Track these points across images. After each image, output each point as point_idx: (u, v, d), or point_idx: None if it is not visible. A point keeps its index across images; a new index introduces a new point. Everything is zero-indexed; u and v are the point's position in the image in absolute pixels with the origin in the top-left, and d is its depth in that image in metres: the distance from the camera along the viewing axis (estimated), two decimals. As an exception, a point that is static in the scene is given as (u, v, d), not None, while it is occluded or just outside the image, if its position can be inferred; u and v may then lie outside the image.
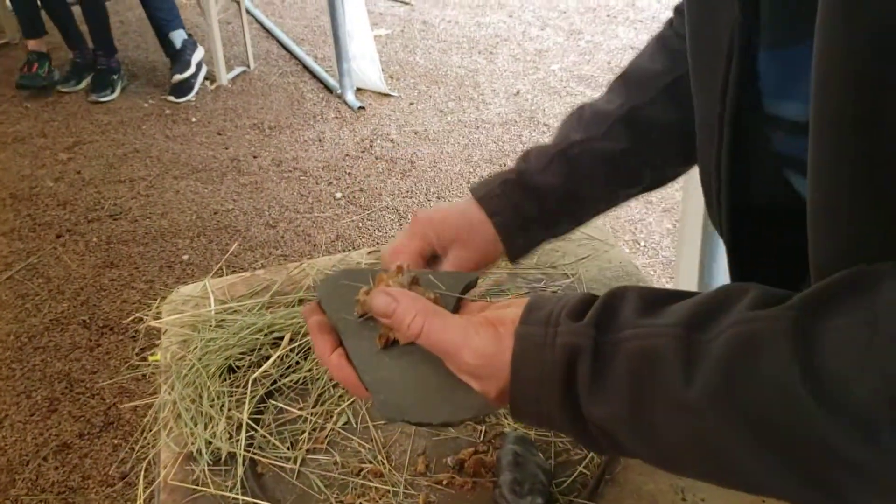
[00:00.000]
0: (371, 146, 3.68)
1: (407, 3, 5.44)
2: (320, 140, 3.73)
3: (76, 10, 4.20)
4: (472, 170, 3.46)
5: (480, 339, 0.56)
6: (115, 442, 2.19)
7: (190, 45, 4.22)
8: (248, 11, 4.68)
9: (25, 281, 2.87)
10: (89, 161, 3.64)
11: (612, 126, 0.86)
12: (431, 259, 0.83)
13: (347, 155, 3.60)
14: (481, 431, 0.89)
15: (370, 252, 1.18)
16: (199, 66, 4.27)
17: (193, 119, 3.98)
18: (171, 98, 4.16)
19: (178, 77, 4.16)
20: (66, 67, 4.37)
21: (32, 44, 4.30)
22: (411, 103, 4.07)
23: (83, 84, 4.30)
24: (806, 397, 0.44)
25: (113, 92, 4.25)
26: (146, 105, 4.14)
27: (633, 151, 0.86)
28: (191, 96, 4.16)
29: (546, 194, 0.84)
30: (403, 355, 0.61)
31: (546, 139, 0.91)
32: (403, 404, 0.58)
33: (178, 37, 4.16)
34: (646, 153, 0.86)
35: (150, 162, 3.61)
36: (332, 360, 0.64)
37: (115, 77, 4.27)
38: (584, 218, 0.90)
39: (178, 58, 4.19)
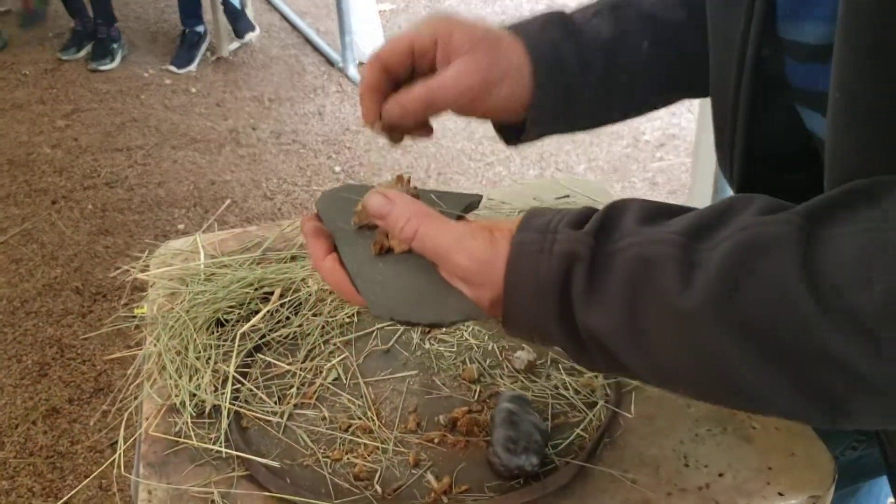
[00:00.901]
0: (372, 120, 3.64)
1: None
2: (320, 113, 3.68)
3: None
4: (473, 147, 3.42)
5: (475, 243, 0.55)
6: (105, 408, 2.16)
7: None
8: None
9: (20, 246, 2.84)
10: (87, 129, 3.60)
11: None
12: (427, 67, 0.71)
13: (347, 129, 3.56)
14: (476, 391, 0.85)
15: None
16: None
17: (193, 90, 3.93)
18: (172, 68, 4.11)
19: (251, 35, 4.19)
20: (66, 35, 4.33)
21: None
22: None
23: (83, 52, 4.26)
24: (808, 304, 0.43)
25: (112, 61, 4.20)
26: (146, 75, 4.09)
27: (688, 22, 0.76)
28: (192, 67, 4.11)
29: (588, 43, 0.74)
30: (398, 262, 0.60)
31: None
32: (392, 304, 0.57)
33: None
34: (696, 38, 0.73)
35: (148, 131, 3.57)
36: (325, 263, 0.63)
37: (115, 46, 4.22)
38: (615, 98, 0.78)
39: (241, 16, 4.18)
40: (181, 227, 2.93)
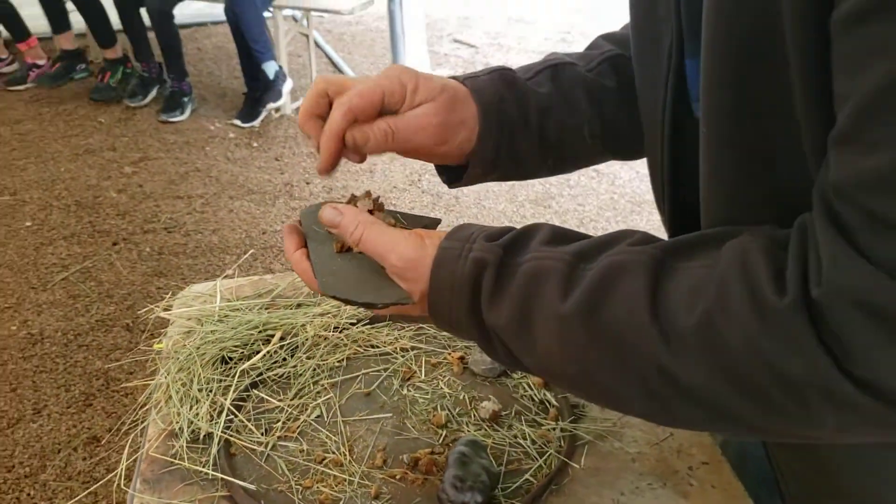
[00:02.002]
0: (419, 180, 3.78)
1: (472, 46, 5.58)
2: (371, 171, 3.84)
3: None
4: (515, 209, 3.53)
5: (406, 246, 0.66)
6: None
7: (281, 76, 4.39)
8: (316, 45, 4.87)
9: (79, 283, 3.03)
10: (152, 176, 3.82)
11: (601, 63, 0.87)
12: (389, 110, 0.75)
13: (395, 187, 3.70)
14: (442, 435, 0.94)
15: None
16: (287, 96, 4.44)
17: (255, 144, 4.14)
18: (237, 122, 4.34)
19: (271, 105, 4.34)
20: (133, 83, 4.60)
21: (108, 53, 4.62)
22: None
23: (148, 99, 4.53)
24: (647, 320, 0.53)
25: (182, 113, 4.45)
26: (212, 128, 4.32)
27: (617, 91, 0.85)
28: (255, 122, 4.34)
29: (529, 98, 0.81)
30: (352, 258, 0.72)
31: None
32: (339, 286, 0.69)
33: (270, 68, 4.31)
34: (627, 100, 0.82)
35: (209, 181, 3.77)
36: (294, 256, 0.74)
37: (185, 99, 4.48)
38: (550, 148, 0.84)
39: (271, 87, 4.36)
40: (230, 272, 3.08)
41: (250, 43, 4.14)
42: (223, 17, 4.25)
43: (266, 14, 4.46)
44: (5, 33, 5.27)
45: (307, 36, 4.61)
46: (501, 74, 0.82)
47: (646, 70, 0.74)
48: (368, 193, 0.78)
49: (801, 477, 0.78)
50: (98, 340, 2.71)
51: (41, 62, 4.96)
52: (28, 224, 3.43)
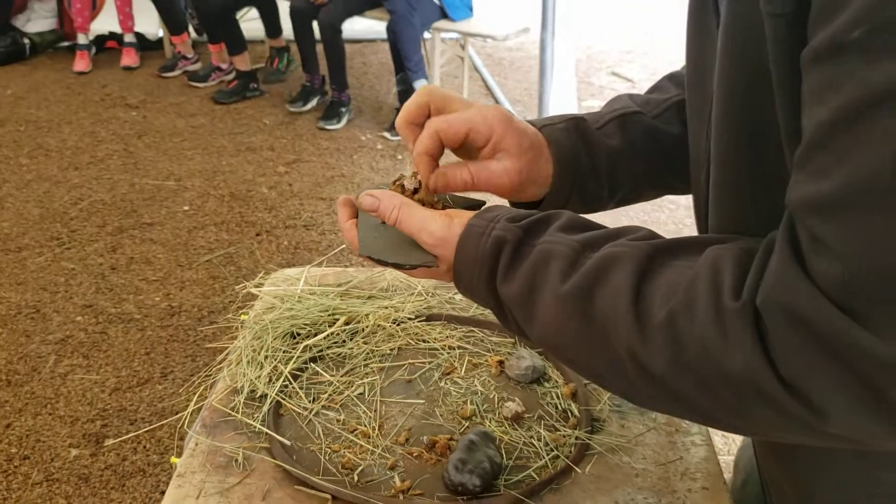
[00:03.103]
0: (549, 207, 3.85)
1: (629, 80, 5.59)
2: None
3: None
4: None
5: (435, 225, 0.75)
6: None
7: None
8: (474, 67, 5.05)
9: (220, 266, 3.30)
10: (301, 177, 4.09)
11: (666, 110, 0.93)
12: (474, 148, 0.83)
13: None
14: (465, 426, 1.02)
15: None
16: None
17: (399, 157, 4.35)
18: (387, 135, 4.56)
19: None
20: (296, 90, 4.96)
21: (272, 42, 5.24)
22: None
23: (308, 107, 4.87)
24: (628, 308, 0.60)
25: (339, 122, 4.74)
26: (363, 138, 4.57)
27: (681, 137, 0.89)
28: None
29: (600, 149, 0.89)
30: (391, 230, 0.81)
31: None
32: (375, 249, 0.79)
33: (420, 86, 4.54)
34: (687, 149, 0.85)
35: (351, 186, 3.99)
36: (346, 224, 0.84)
37: (343, 109, 4.76)
38: (617, 192, 0.92)
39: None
40: (351, 270, 3.27)
41: (404, 60, 4.36)
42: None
43: (426, 35, 4.68)
44: (194, 34, 5.80)
45: (462, 59, 4.79)
46: (576, 125, 0.90)
47: (693, 107, 0.80)
48: (415, 174, 0.85)
49: (781, 488, 0.81)
50: (227, 319, 2.95)
51: (224, 66, 5.42)
52: (186, 208, 3.76)
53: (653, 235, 0.66)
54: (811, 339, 0.51)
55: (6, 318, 2.96)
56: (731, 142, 0.65)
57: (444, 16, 4.67)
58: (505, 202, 0.87)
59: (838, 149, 0.49)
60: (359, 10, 4.67)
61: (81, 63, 5.57)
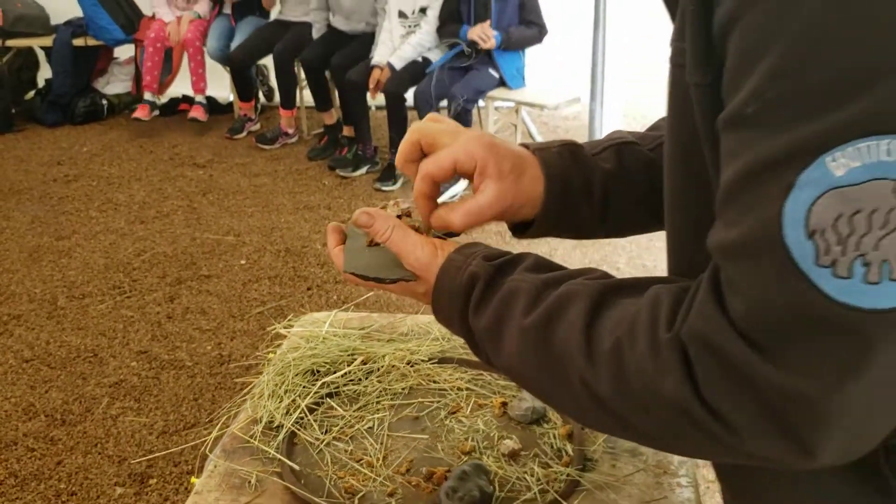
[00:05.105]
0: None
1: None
2: (551, 255, 4.00)
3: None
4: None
5: (421, 252, 0.81)
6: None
7: None
8: (528, 133, 5.18)
9: (271, 317, 3.41)
10: (354, 235, 4.22)
11: (660, 145, 0.94)
12: (462, 174, 0.88)
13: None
14: (463, 460, 1.08)
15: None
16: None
17: (450, 218, 4.46)
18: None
19: (452, 190, 4.72)
20: (349, 157, 5.17)
21: (346, 130, 5.35)
22: (650, 239, 4.23)
23: (358, 173, 5.06)
24: (580, 339, 0.67)
25: (395, 184, 4.90)
26: (416, 199, 4.70)
27: None
28: (453, 199, 4.68)
29: (595, 172, 0.92)
30: (376, 250, 0.87)
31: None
32: (358, 266, 0.86)
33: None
34: None
35: (402, 246, 4.11)
36: (333, 250, 0.91)
37: (398, 172, 4.92)
38: (609, 218, 0.96)
39: None
40: (375, 315, 3.36)
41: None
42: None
43: (481, 103, 4.84)
44: (262, 99, 6.11)
45: (515, 126, 4.92)
46: (570, 149, 0.94)
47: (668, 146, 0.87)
48: (398, 203, 0.94)
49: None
50: (256, 356, 3.06)
51: (290, 130, 5.69)
52: (242, 262, 3.92)
53: (606, 276, 0.73)
54: (724, 367, 0.57)
55: (66, 360, 3.12)
56: (677, 190, 0.72)
57: (503, 83, 4.85)
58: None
59: (740, 204, 0.56)
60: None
61: (141, 112, 5.84)
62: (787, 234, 0.52)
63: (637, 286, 0.70)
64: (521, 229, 0.97)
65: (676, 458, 1.10)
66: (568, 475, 1.05)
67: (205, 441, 1.18)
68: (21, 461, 2.58)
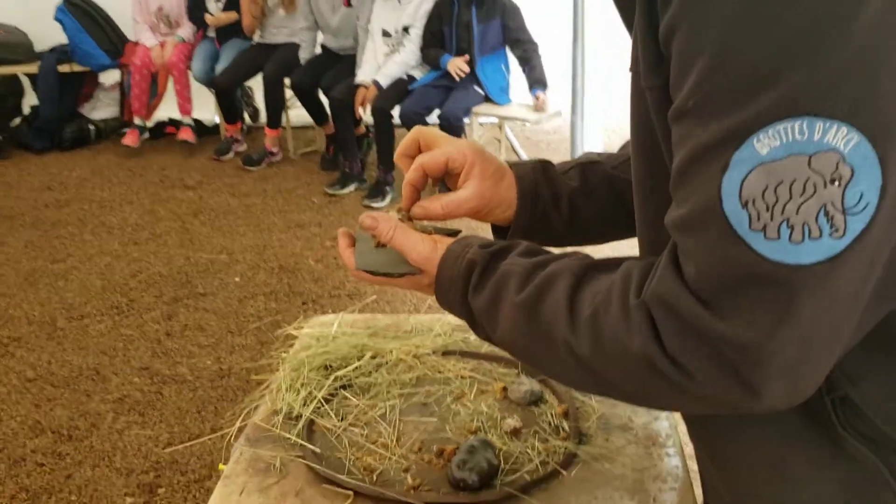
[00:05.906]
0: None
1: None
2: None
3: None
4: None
5: (422, 247, 0.91)
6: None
7: None
8: (511, 148, 5.31)
9: (268, 332, 3.51)
10: (345, 250, 4.32)
11: (625, 161, 1.07)
12: (451, 172, 0.98)
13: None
14: (470, 439, 1.18)
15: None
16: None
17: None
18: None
19: None
20: (336, 175, 5.27)
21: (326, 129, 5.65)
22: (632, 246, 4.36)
23: (345, 191, 5.16)
24: (564, 308, 0.76)
25: (383, 200, 5.00)
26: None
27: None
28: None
29: (562, 188, 1.04)
30: (383, 250, 0.96)
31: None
32: (368, 263, 0.96)
33: None
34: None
35: (392, 259, 4.21)
36: (345, 252, 1.00)
37: (387, 188, 5.03)
38: (577, 229, 1.06)
39: None
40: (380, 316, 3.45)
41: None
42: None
43: (465, 120, 4.96)
44: (248, 120, 6.22)
45: (499, 140, 5.05)
46: (543, 166, 1.07)
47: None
48: (400, 209, 1.02)
49: (717, 491, 0.95)
50: (271, 355, 3.14)
51: (275, 150, 5.79)
52: (237, 279, 4.01)
53: (588, 257, 0.83)
54: (681, 323, 0.67)
55: (69, 379, 3.19)
56: (641, 184, 0.83)
57: (487, 100, 4.98)
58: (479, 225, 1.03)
59: (687, 186, 0.66)
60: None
61: (130, 138, 5.96)
62: (726, 205, 0.62)
63: (613, 264, 0.80)
64: (500, 234, 1.09)
65: (664, 431, 1.20)
66: (566, 448, 1.15)
67: (227, 433, 1.28)
68: (31, 476, 2.65)
